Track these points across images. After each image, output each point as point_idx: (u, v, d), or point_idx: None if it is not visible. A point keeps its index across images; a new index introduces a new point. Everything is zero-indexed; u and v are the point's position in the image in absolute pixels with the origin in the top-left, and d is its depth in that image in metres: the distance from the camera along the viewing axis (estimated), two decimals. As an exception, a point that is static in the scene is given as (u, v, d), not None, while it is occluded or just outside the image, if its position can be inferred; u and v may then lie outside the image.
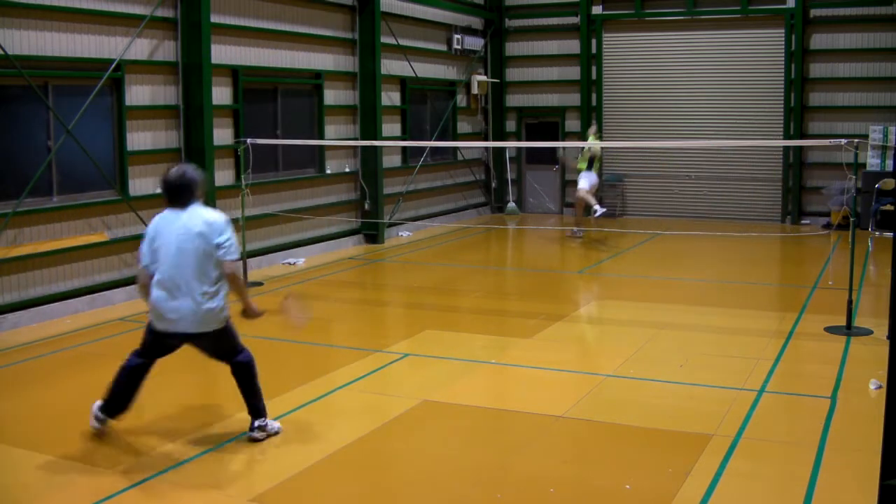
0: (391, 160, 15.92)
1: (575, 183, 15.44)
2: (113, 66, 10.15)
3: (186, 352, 8.74)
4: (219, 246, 5.62)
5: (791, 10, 16.61)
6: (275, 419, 6.27)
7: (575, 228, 15.39)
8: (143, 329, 5.96)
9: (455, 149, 18.02)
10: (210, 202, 11.31)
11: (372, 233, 14.92)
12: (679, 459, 5.57)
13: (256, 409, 5.97)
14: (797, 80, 16.67)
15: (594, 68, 18.33)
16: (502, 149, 19.00)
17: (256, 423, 5.95)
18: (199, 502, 5.11)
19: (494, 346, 8.43)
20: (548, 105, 19.00)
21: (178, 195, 5.76)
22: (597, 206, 14.97)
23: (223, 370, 8.20)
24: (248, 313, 5.97)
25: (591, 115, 18.32)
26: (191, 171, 5.85)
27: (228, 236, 5.66)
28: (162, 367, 7.97)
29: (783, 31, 16.78)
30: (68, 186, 9.93)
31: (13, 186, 9.26)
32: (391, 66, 15.64)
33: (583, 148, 14.96)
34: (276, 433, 6.02)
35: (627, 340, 8.60)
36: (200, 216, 5.69)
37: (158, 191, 10.96)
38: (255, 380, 6.01)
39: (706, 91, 17.45)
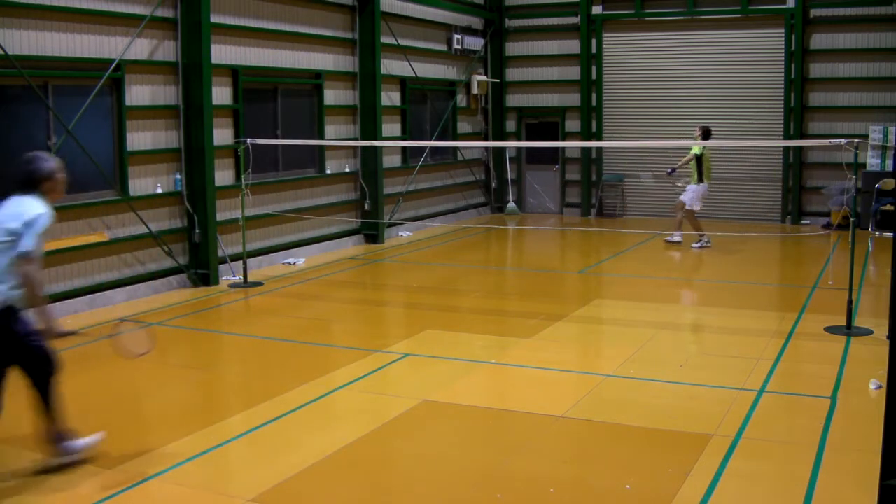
0: (391, 160, 15.92)
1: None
2: (113, 66, 10.15)
3: (186, 352, 8.76)
4: (15, 235, 5.17)
5: (791, 10, 16.61)
6: (275, 419, 6.27)
7: (701, 239, 14.07)
8: None
9: (455, 149, 18.02)
10: (210, 202, 11.32)
11: (372, 233, 14.92)
12: (679, 459, 5.57)
13: None
14: (797, 80, 16.67)
15: (594, 68, 18.32)
16: (502, 149, 19.00)
17: None
18: (199, 502, 5.11)
19: (494, 346, 8.43)
20: (548, 105, 19.00)
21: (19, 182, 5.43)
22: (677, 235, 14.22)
23: (225, 369, 8.22)
24: (46, 329, 5.38)
25: (590, 114, 18.31)
26: (35, 161, 5.47)
27: (28, 228, 5.19)
28: (161, 367, 7.98)
29: (783, 31, 16.78)
30: (68, 186, 9.88)
31: (13, 186, 9.24)
32: (391, 66, 15.64)
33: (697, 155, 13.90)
34: None
35: (627, 340, 8.60)
36: (21, 206, 5.30)
37: (159, 190, 11.00)
38: None
39: (706, 91, 17.45)
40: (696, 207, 14.03)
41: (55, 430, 5.52)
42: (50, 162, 5.49)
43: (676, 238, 14.24)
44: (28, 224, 5.18)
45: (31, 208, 5.27)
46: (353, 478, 5.48)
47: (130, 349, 6.08)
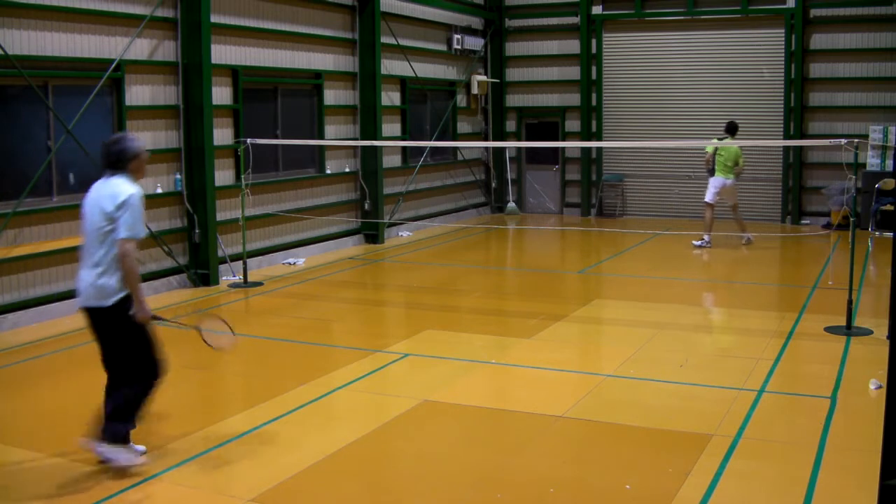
0: (391, 160, 15.92)
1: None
2: (113, 66, 10.15)
3: (186, 352, 8.76)
4: (112, 219, 5.29)
5: (791, 10, 16.61)
6: (275, 419, 6.26)
7: (703, 238, 14.17)
8: None
9: (455, 149, 18.02)
10: (210, 202, 11.32)
11: (372, 233, 14.92)
12: (679, 459, 5.57)
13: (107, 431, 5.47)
14: (797, 80, 16.67)
15: (594, 68, 18.32)
16: (502, 149, 19.00)
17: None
18: (199, 502, 5.11)
19: (494, 346, 8.43)
20: (548, 105, 19.00)
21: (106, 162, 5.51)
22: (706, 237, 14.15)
23: (225, 369, 8.22)
24: (137, 311, 5.38)
25: (590, 114, 18.30)
26: (124, 141, 5.52)
27: (124, 211, 5.26)
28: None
29: (783, 31, 16.78)
30: (68, 186, 9.93)
31: (13, 186, 9.26)
32: (391, 66, 15.64)
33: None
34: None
35: (627, 340, 8.60)
36: (111, 188, 5.37)
37: (159, 190, 11.00)
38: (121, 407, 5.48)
39: (706, 91, 17.45)
40: (708, 198, 14.16)
41: (125, 428, 5.50)
42: (136, 141, 5.58)
43: (746, 238, 14.28)
44: (123, 206, 5.27)
45: (122, 189, 5.35)
46: (353, 478, 5.48)
47: (215, 342, 6.16)
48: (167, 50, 11.04)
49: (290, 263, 12.94)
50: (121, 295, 5.33)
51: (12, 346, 8.55)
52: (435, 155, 17.52)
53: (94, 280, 5.32)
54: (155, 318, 5.55)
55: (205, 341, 6.04)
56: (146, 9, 10.60)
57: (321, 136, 14.02)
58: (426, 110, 17.26)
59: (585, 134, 18.27)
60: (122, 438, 5.50)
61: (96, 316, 5.41)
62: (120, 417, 5.48)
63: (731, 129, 14.11)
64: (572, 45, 18.40)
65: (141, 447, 5.68)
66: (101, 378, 7.68)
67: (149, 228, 10.71)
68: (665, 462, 5.56)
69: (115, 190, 5.33)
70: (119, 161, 5.44)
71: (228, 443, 5.99)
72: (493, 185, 19.41)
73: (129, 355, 5.48)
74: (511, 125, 19.37)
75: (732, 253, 13.88)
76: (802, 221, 16.93)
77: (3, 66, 8.99)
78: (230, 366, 8.33)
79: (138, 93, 10.67)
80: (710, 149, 14.06)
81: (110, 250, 5.29)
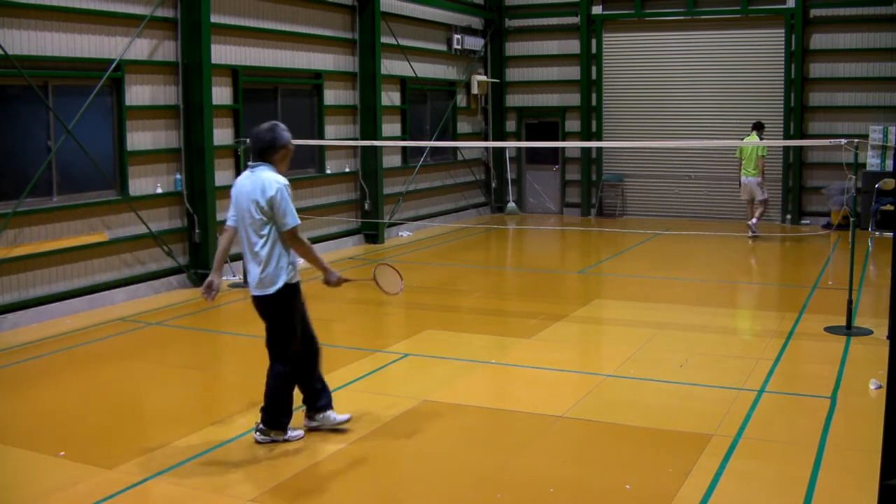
0: (391, 160, 15.92)
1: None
2: (113, 66, 10.15)
3: (186, 352, 8.76)
4: (266, 213, 5.58)
5: (791, 10, 16.61)
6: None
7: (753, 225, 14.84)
8: None
9: (455, 149, 18.02)
10: (210, 202, 11.31)
11: (372, 233, 14.93)
12: (679, 459, 5.57)
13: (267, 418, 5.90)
14: (797, 80, 16.67)
15: (594, 68, 18.32)
16: (502, 149, 19.00)
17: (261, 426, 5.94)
18: (199, 502, 5.11)
19: (494, 346, 8.43)
20: (548, 105, 19.00)
21: (252, 151, 5.71)
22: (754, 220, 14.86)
23: (225, 369, 8.22)
24: (327, 277, 5.85)
25: (590, 114, 18.31)
26: (276, 130, 5.72)
27: (277, 206, 5.55)
28: (161, 367, 7.98)
29: (783, 31, 16.79)
30: (68, 186, 9.93)
31: (13, 186, 9.26)
32: (391, 66, 15.64)
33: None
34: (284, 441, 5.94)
35: (627, 340, 8.60)
36: (260, 181, 5.61)
37: (159, 190, 10.99)
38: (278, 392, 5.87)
39: (706, 91, 17.45)
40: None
41: (312, 402, 6.03)
42: (287, 132, 5.77)
43: (752, 229, 14.77)
44: (273, 201, 5.53)
45: (270, 182, 5.58)
46: (353, 478, 5.48)
47: (387, 288, 6.39)
48: (167, 50, 11.04)
49: (290, 263, 12.92)
50: (281, 285, 5.62)
51: (12, 346, 8.55)
52: (435, 155, 17.52)
53: (260, 272, 5.65)
54: (344, 280, 5.93)
55: (377, 282, 6.32)
56: (146, 9, 10.60)
57: (321, 136, 14.02)
58: (426, 110, 17.26)
59: (585, 134, 18.27)
60: (280, 425, 5.85)
61: (261, 302, 5.77)
62: (275, 404, 5.80)
63: (755, 127, 14.83)
64: (572, 45, 18.40)
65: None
66: (100, 379, 7.69)
67: (149, 228, 10.72)
68: (665, 462, 5.56)
69: (264, 183, 5.57)
70: (267, 150, 5.68)
71: (228, 443, 5.99)
72: (493, 185, 19.41)
73: (282, 339, 5.81)
74: (511, 125, 19.37)
75: (732, 253, 13.88)
76: (802, 221, 16.93)
77: (3, 66, 8.99)
78: (230, 365, 8.35)
79: (138, 93, 10.67)
80: (737, 154, 14.99)
81: (268, 242, 5.57)
